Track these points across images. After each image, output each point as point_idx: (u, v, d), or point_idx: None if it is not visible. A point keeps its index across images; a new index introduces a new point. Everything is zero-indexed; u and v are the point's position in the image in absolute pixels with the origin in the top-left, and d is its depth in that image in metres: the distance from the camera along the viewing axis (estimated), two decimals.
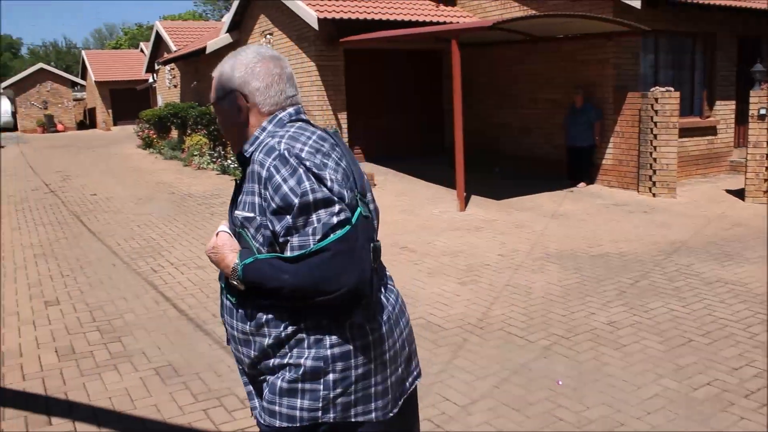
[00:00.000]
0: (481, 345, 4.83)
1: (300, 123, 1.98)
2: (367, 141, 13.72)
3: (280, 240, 1.79)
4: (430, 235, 8.36)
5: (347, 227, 1.76)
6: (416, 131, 14.37)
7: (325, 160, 1.84)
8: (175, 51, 21.33)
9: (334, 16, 12.23)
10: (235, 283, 1.87)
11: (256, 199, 1.84)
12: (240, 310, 1.94)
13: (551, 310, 5.52)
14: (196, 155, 16.83)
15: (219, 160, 15.34)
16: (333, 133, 2.01)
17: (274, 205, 1.78)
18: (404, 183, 11.98)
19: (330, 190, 1.77)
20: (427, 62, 14.41)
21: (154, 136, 21.95)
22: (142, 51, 41.34)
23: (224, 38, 16.37)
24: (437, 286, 6.26)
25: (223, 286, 2.02)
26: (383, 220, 9.17)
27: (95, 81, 38.95)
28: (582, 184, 11.30)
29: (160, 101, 25.07)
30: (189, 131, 19.13)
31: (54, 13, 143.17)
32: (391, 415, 2.02)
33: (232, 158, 14.42)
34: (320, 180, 1.78)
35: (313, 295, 1.77)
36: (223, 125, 2.11)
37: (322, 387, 1.89)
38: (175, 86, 22.56)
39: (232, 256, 1.88)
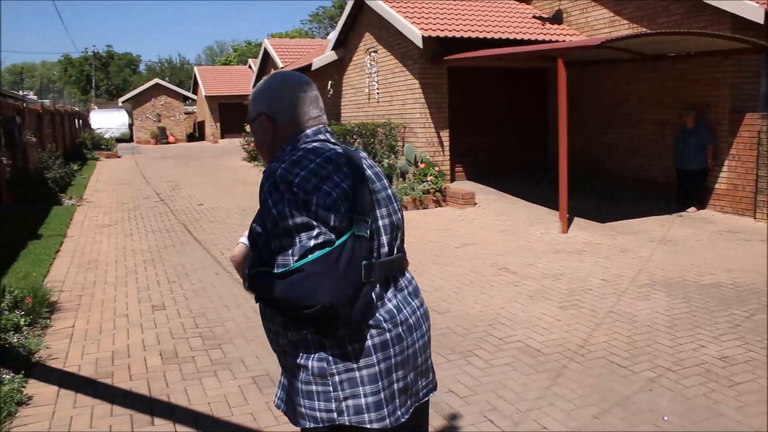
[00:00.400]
0: (581, 373, 4.67)
1: (315, 144, 2.11)
2: (468, 159, 13.65)
3: (277, 256, 1.94)
4: (531, 257, 8.19)
5: (325, 249, 1.90)
6: (518, 150, 14.18)
7: (320, 184, 1.97)
8: (282, 68, 21.92)
9: (439, 34, 12.26)
10: (246, 289, 2.05)
11: (261, 217, 2.03)
12: (262, 311, 2.16)
13: (657, 340, 5.27)
14: None
15: None
16: (351, 152, 2.13)
17: (268, 225, 1.97)
18: (505, 202, 11.83)
19: (315, 213, 1.93)
20: (531, 80, 14.23)
21: None
22: (250, 67, 42.78)
23: (329, 55, 16.70)
24: (537, 310, 6.11)
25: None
26: (483, 240, 9.14)
27: (205, 95, 40.53)
28: (692, 209, 10.81)
29: None
30: None
31: (171, 32, 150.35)
32: (402, 420, 2.12)
33: None
34: (306, 205, 1.93)
35: (292, 309, 1.93)
36: (256, 143, 2.28)
37: (330, 387, 2.05)
38: None
39: (245, 266, 2.07)
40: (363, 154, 2.23)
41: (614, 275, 7.28)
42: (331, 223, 1.95)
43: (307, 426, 2.09)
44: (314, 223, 1.92)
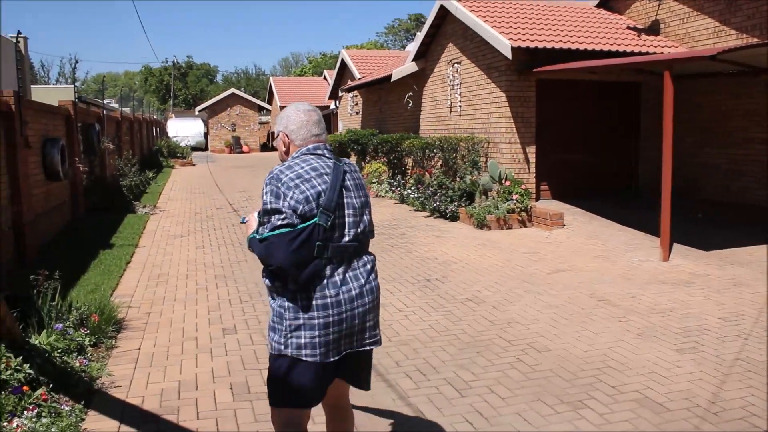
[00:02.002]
0: None
1: (308, 156, 2.92)
2: (555, 177, 12.87)
3: (260, 227, 2.82)
4: (632, 287, 7.42)
5: (285, 229, 2.71)
6: (608, 168, 13.31)
7: (301, 184, 2.77)
8: (359, 78, 21.56)
9: (528, 45, 11.59)
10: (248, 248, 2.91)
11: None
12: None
13: None
14: (374, 182, 16.71)
15: (398, 188, 15.06)
16: (339, 165, 2.93)
17: (261, 206, 2.82)
18: (595, 224, 11.02)
19: (287, 202, 2.73)
20: (623, 95, 13.35)
21: None
22: (325, 78, 42.86)
23: (410, 66, 16.19)
24: (650, 352, 5.37)
25: None
26: (576, 266, 8.34)
27: (280, 106, 40.66)
28: None
29: (341, 127, 25.50)
30: (368, 158, 19.13)
31: (248, 44, 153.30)
32: (331, 359, 2.87)
33: (412, 188, 14.09)
34: (283, 196, 2.74)
35: (264, 263, 2.81)
36: (278, 152, 3.13)
37: (282, 327, 2.83)
38: (357, 113, 22.80)
39: (248, 231, 2.93)
40: (352, 168, 3.04)
41: (732, 313, 6.45)
42: (299, 212, 2.74)
43: (269, 351, 2.93)
44: (283, 209, 2.73)
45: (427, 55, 15.99)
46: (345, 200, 2.88)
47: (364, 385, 3.17)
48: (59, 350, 4.93)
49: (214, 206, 14.89)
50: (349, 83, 22.88)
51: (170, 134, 42.02)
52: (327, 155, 2.95)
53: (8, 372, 4.28)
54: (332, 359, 2.88)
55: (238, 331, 5.92)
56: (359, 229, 2.93)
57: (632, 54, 12.07)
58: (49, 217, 10.00)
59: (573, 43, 12.03)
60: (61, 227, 10.80)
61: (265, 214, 2.77)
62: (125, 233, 10.76)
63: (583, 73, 12.18)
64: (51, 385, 4.36)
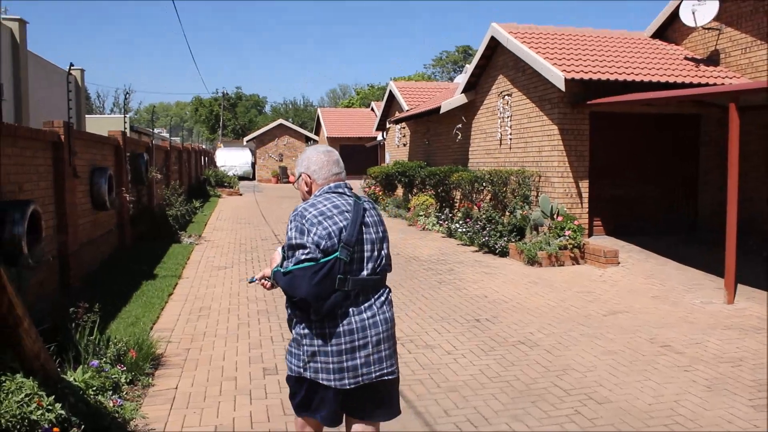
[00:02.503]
0: None
1: (330, 194, 3.11)
2: (608, 213, 12.42)
3: (285, 261, 3.03)
4: (695, 333, 6.96)
5: (308, 263, 2.89)
6: (664, 204, 12.80)
7: (321, 219, 2.96)
8: (407, 110, 21.43)
9: (583, 77, 11.26)
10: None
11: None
12: None
13: None
14: (421, 215, 16.45)
15: (446, 222, 14.76)
16: (359, 203, 3.11)
17: (285, 242, 3.02)
18: (652, 262, 10.54)
19: (311, 238, 2.92)
20: (681, 128, 12.86)
21: (380, 193, 22.08)
22: (372, 110, 42.98)
23: (459, 98, 15.98)
24: (723, 407, 4.94)
25: None
26: (633, 307, 7.83)
27: (327, 136, 40.84)
28: None
29: (388, 158, 25.36)
30: (415, 190, 18.90)
31: (296, 75, 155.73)
32: (347, 387, 3.01)
33: (460, 221, 13.78)
34: (307, 231, 2.94)
35: (288, 295, 3.01)
36: (300, 193, 3.27)
37: (300, 352, 3.06)
38: (404, 144, 22.63)
39: (271, 265, 3.19)
40: (371, 205, 3.23)
41: None
42: (321, 247, 2.90)
43: (288, 373, 3.15)
44: (307, 244, 2.89)
45: (476, 87, 15.77)
46: (364, 236, 3.08)
47: (383, 416, 3.25)
48: (94, 388, 4.74)
49: (259, 237, 14.78)
50: (397, 115, 22.76)
51: (218, 163, 42.49)
52: (348, 193, 3.18)
53: (39, 412, 4.09)
54: (348, 386, 3.04)
55: (279, 371, 5.66)
56: (377, 263, 3.12)
57: (691, 85, 11.64)
58: (94, 245, 9.96)
59: (628, 74, 11.66)
60: (107, 256, 10.76)
61: (290, 249, 2.98)
62: (169, 263, 10.66)
63: (639, 105, 11.80)
64: (83, 427, 4.16)
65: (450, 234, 14.34)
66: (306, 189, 3.22)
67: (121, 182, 11.76)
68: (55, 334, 5.44)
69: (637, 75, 11.70)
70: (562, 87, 11.14)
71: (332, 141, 40.81)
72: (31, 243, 6.56)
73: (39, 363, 4.35)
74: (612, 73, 11.60)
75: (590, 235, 12.23)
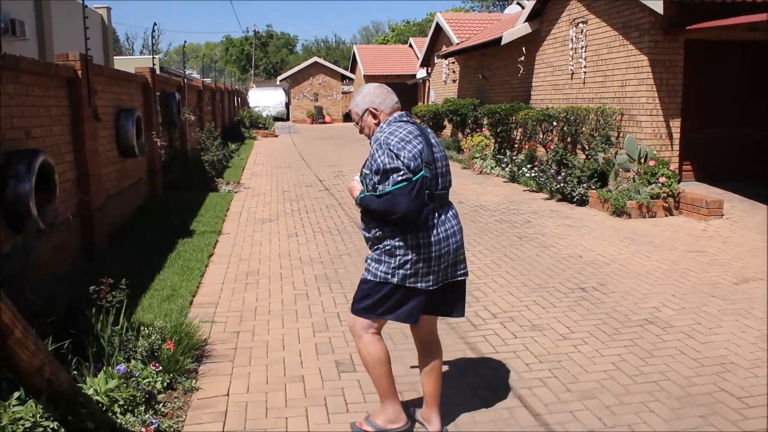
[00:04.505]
0: None
1: (401, 122, 3.37)
2: (703, 157, 10.88)
3: (376, 186, 3.24)
4: None
5: (404, 183, 3.13)
6: (764, 147, 11.19)
7: (406, 145, 3.20)
8: (458, 43, 19.74)
9: None
10: (357, 205, 3.38)
11: (369, 164, 3.29)
12: (362, 219, 3.47)
13: None
14: (477, 158, 15.02)
15: (508, 165, 13.31)
16: (423, 129, 3.40)
17: (374, 168, 3.23)
18: (761, 214, 9.05)
19: (401, 161, 3.14)
20: None
21: None
22: (411, 46, 41.02)
23: (522, 28, 14.33)
24: None
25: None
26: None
27: (364, 74, 39.13)
28: None
29: (433, 96, 23.77)
30: (468, 131, 17.42)
31: (326, 12, 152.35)
32: (432, 288, 3.37)
33: (525, 165, 12.34)
34: (397, 156, 3.16)
35: (387, 214, 3.22)
36: (363, 128, 3.53)
37: (392, 261, 3.31)
38: (454, 81, 20.98)
39: (356, 193, 3.40)
40: (428, 130, 3.47)
41: None
42: (412, 168, 3.16)
43: (368, 277, 3.40)
44: (401, 167, 3.15)
45: (542, 15, 14.09)
46: (435, 155, 3.34)
47: (459, 312, 3.63)
48: (120, 404, 3.54)
49: (302, 183, 13.50)
50: (444, 49, 21.08)
51: (251, 104, 41.15)
52: (411, 120, 3.43)
53: None
54: (433, 287, 3.37)
55: (356, 367, 4.41)
56: (447, 179, 3.42)
57: None
58: (122, 198, 8.76)
59: None
60: (137, 209, 9.57)
61: (383, 174, 3.18)
62: (207, 216, 9.45)
63: (743, 31, 10.11)
64: None
65: (513, 178, 12.92)
66: (375, 121, 3.44)
67: (151, 125, 10.49)
68: (72, 322, 4.24)
69: None
70: (660, 9, 9.52)
71: (369, 79, 39.01)
72: (42, 202, 5.34)
73: (44, 379, 3.13)
74: None
75: (679, 181, 10.72)
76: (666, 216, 9.51)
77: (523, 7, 22.22)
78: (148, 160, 10.50)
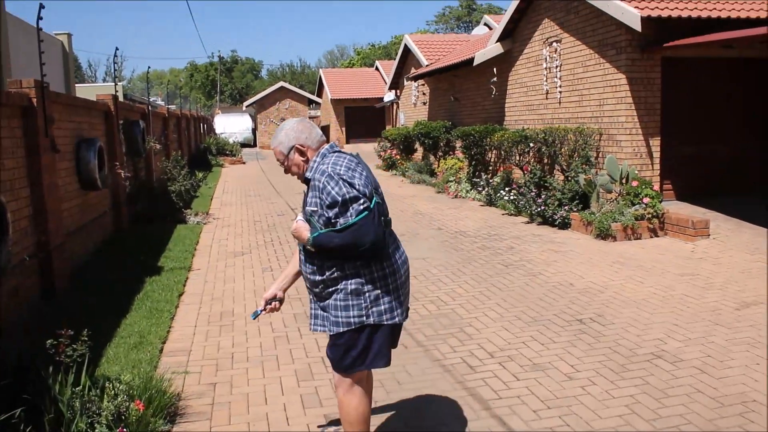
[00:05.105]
0: None
1: (336, 153, 3.24)
2: (683, 175, 10.68)
3: (332, 221, 3.03)
4: None
5: (367, 212, 3.00)
6: (749, 164, 11.03)
7: (354, 173, 3.08)
8: (427, 65, 19.51)
9: (661, 14, 9.45)
10: (309, 247, 3.12)
11: (317, 200, 3.09)
12: (308, 262, 3.22)
13: None
14: (452, 181, 14.70)
15: (484, 188, 13.01)
16: (357, 156, 3.29)
17: (327, 202, 3.04)
18: (747, 233, 8.83)
19: (357, 190, 3.02)
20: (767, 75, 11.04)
21: (398, 157, 20.31)
22: (377, 69, 40.88)
23: (494, 48, 14.11)
24: None
25: (301, 248, 3.27)
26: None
27: (331, 98, 38.87)
28: None
29: (402, 119, 23.50)
30: (440, 153, 17.14)
31: (291, 36, 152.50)
32: (403, 320, 3.28)
33: (501, 187, 12.06)
34: (351, 185, 3.02)
35: (354, 247, 3.00)
36: (290, 166, 3.30)
37: (362, 301, 3.12)
38: (424, 104, 20.72)
39: (306, 233, 3.13)
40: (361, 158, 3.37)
41: None
42: (367, 195, 3.05)
43: (341, 330, 3.14)
44: (360, 195, 3.01)
45: (513, 35, 13.90)
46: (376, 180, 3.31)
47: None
48: None
49: (274, 212, 13.06)
50: (413, 71, 20.85)
51: (218, 131, 40.62)
52: (343, 151, 3.31)
53: None
54: (403, 319, 3.29)
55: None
56: (386, 205, 3.29)
57: None
58: (85, 233, 8.24)
59: (711, 9, 9.83)
60: (101, 244, 9.05)
61: (342, 205, 3.01)
62: (176, 251, 8.95)
63: (718, 48, 9.96)
64: None
65: (490, 202, 12.63)
66: (302, 159, 3.26)
67: (114, 155, 9.99)
68: (24, 384, 3.76)
69: (720, 11, 9.86)
70: (638, 27, 9.32)
71: (337, 103, 38.81)
72: None
73: None
74: (692, 9, 9.76)
75: (661, 201, 10.50)
76: (651, 237, 9.25)
77: (490, 28, 22.20)
78: (112, 192, 9.98)
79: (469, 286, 7.09)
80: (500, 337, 5.46)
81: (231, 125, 42.37)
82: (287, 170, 3.32)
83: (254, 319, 3.59)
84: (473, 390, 4.42)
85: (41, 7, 6.65)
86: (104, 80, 63.76)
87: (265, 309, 3.51)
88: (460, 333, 5.59)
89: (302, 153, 3.23)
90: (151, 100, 19.56)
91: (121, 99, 11.21)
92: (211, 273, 8.00)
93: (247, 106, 45.11)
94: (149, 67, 15.78)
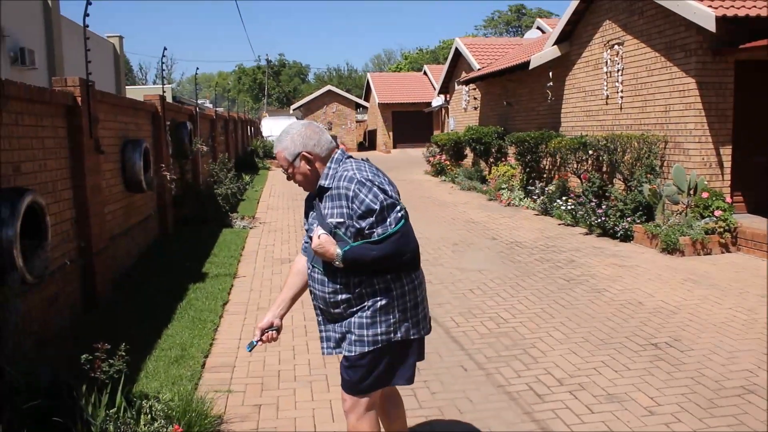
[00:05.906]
0: None
1: (350, 159, 2.95)
2: (757, 187, 10.01)
3: (366, 232, 2.74)
4: None
5: (405, 220, 2.79)
6: None
7: (382, 180, 2.85)
8: (479, 69, 19.03)
9: (737, 14, 8.86)
10: (337, 263, 2.75)
11: (345, 210, 2.78)
12: (331, 281, 2.85)
13: None
14: (504, 188, 14.21)
15: (540, 197, 12.50)
16: (368, 160, 3.00)
17: (360, 211, 2.74)
18: None
19: (391, 197, 2.79)
20: None
21: (447, 163, 19.88)
22: (425, 73, 40.50)
23: (551, 51, 13.58)
24: None
25: (313, 265, 2.92)
26: None
27: (378, 102, 38.58)
28: None
29: (452, 124, 23.04)
30: (492, 160, 16.65)
31: (338, 41, 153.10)
32: (427, 333, 3.03)
33: (558, 196, 11.54)
34: (384, 192, 2.78)
35: (394, 258, 2.77)
36: (298, 175, 2.94)
37: (391, 317, 2.86)
38: (475, 108, 20.24)
39: (333, 248, 2.75)
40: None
41: None
42: (400, 201, 2.85)
43: (366, 350, 2.84)
44: (396, 202, 2.80)
45: (572, 37, 13.35)
46: None
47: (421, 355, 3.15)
48: None
49: None
50: (465, 75, 20.39)
51: (265, 134, 40.63)
52: (352, 156, 3.03)
53: None
54: (426, 333, 3.04)
55: None
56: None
57: None
58: (129, 237, 8.01)
59: None
60: (145, 248, 8.83)
61: (380, 213, 2.74)
62: (221, 256, 8.67)
63: None
64: None
65: (545, 211, 12.12)
66: (308, 168, 2.92)
67: (161, 157, 9.78)
68: (56, 404, 3.45)
69: None
70: (712, 27, 8.74)
71: (384, 107, 38.52)
72: (31, 248, 4.59)
73: None
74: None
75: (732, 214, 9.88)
76: (723, 253, 8.67)
77: (543, 32, 21.61)
78: (158, 194, 9.77)
79: (530, 302, 6.63)
80: (568, 361, 5.00)
81: (278, 128, 42.33)
82: (290, 178, 2.98)
83: (249, 351, 3.21)
84: (543, 423, 3.99)
85: (88, 3, 6.41)
86: (155, 82, 64.62)
87: (261, 340, 3.12)
88: (523, 355, 5.15)
89: (309, 161, 2.89)
90: (199, 102, 19.47)
91: (169, 100, 11.02)
92: (257, 280, 7.68)
93: (294, 110, 45.12)
94: (197, 69, 15.62)
